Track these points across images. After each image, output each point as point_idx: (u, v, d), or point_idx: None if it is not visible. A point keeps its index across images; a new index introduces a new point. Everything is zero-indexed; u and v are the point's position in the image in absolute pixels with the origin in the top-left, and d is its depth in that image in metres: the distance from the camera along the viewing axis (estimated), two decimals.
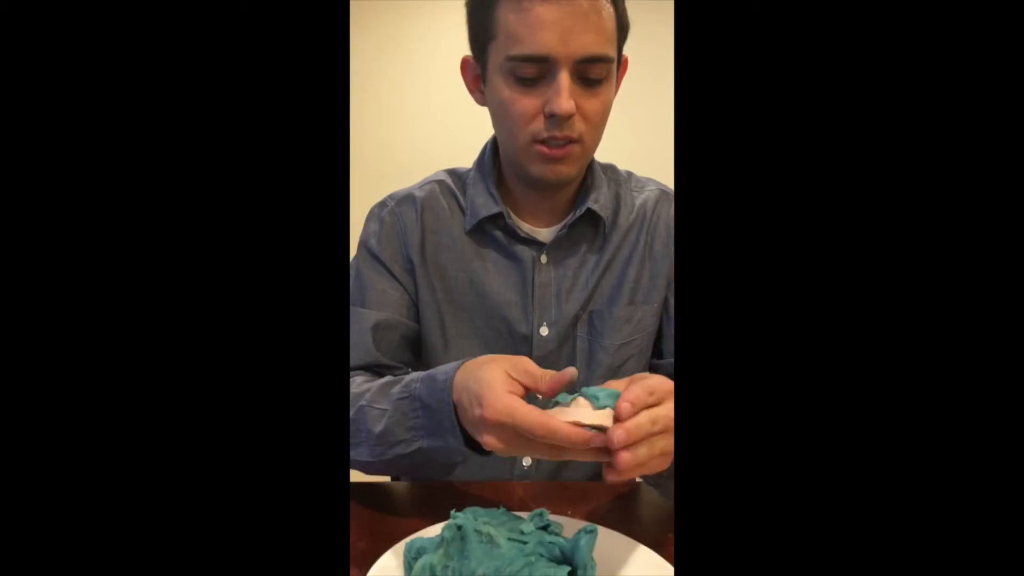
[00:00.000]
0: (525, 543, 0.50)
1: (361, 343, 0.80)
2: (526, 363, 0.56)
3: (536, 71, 0.70)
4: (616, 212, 0.87)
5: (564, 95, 0.68)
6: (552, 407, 0.53)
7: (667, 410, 0.50)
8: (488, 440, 0.53)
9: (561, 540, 0.51)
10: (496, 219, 0.83)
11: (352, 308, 0.83)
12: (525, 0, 0.67)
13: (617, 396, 0.50)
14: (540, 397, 0.55)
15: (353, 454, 0.68)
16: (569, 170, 0.76)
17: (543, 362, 0.80)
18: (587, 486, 0.78)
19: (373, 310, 0.82)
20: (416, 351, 0.87)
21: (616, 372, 0.85)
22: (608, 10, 0.70)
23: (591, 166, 0.85)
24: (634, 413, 0.49)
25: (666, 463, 0.52)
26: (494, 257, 0.84)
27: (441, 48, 2.80)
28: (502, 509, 0.55)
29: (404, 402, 0.64)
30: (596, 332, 0.85)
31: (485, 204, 0.83)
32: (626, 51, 0.77)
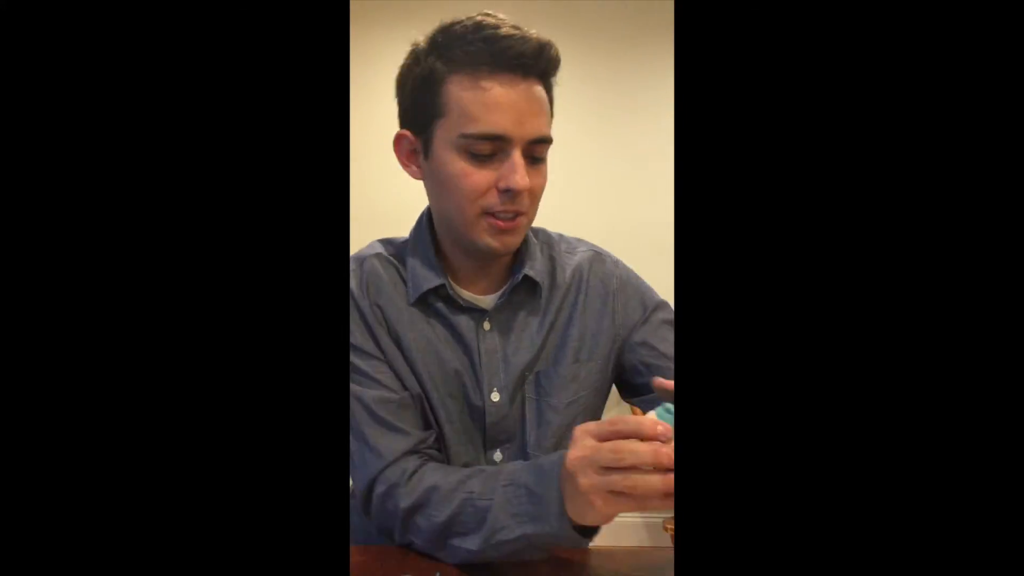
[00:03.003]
0: None
1: (388, 427, 0.79)
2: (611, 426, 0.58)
3: (491, 148, 0.74)
4: (552, 274, 0.91)
5: (521, 172, 0.73)
6: None
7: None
8: (581, 483, 0.56)
9: None
10: (438, 290, 0.85)
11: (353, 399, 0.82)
12: (482, 81, 0.73)
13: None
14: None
15: (457, 542, 0.70)
16: (516, 240, 0.80)
17: (497, 428, 0.83)
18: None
19: (371, 390, 0.81)
20: (426, 418, 0.86)
21: (566, 431, 0.86)
22: (546, 97, 0.77)
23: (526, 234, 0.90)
24: None
25: None
26: (439, 327, 0.86)
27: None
28: None
29: (509, 489, 0.67)
30: (544, 392, 0.87)
31: (426, 276, 0.85)
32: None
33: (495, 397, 0.84)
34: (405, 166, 0.84)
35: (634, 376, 0.93)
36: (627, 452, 0.53)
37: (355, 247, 0.91)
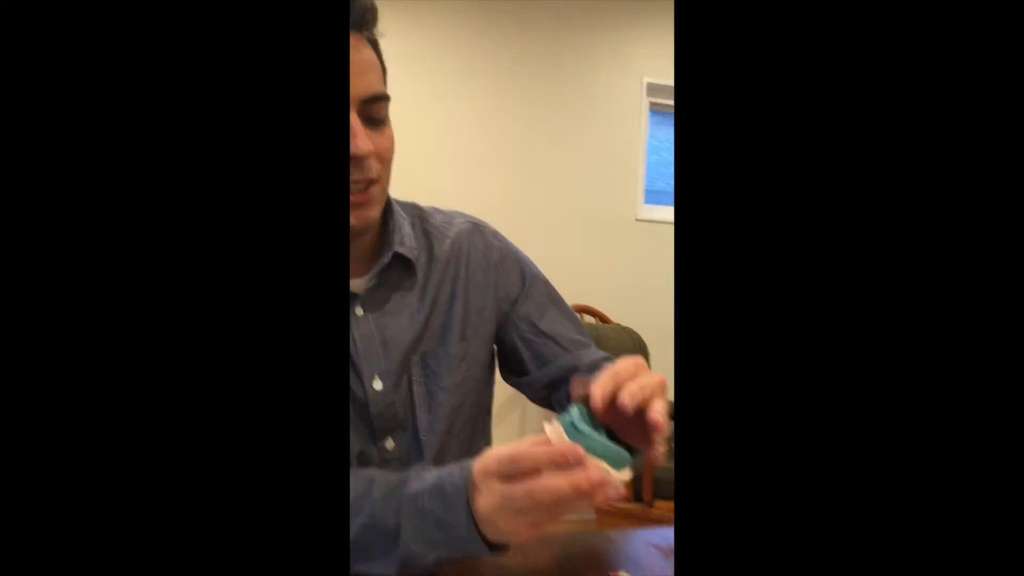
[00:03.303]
0: None
1: None
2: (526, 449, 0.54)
3: None
4: (429, 250, 0.86)
5: (360, 136, 0.68)
6: None
7: (647, 378, 0.56)
8: (481, 502, 0.55)
9: None
10: None
11: None
12: None
13: (624, 456, 0.53)
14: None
15: (365, 568, 0.65)
16: (373, 213, 0.75)
17: (384, 416, 0.79)
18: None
19: None
20: None
21: (457, 411, 0.85)
22: (372, 51, 0.71)
23: (390, 207, 0.84)
24: (637, 402, 0.54)
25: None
26: None
27: (441, 66, 2.75)
28: None
29: (415, 519, 0.62)
30: (433, 374, 0.83)
31: None
32: None
33: (377, 385, 0.79)
34: None
35: (512, 353, 0.91)
36: (542, 493, 0.51)
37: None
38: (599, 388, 0.54)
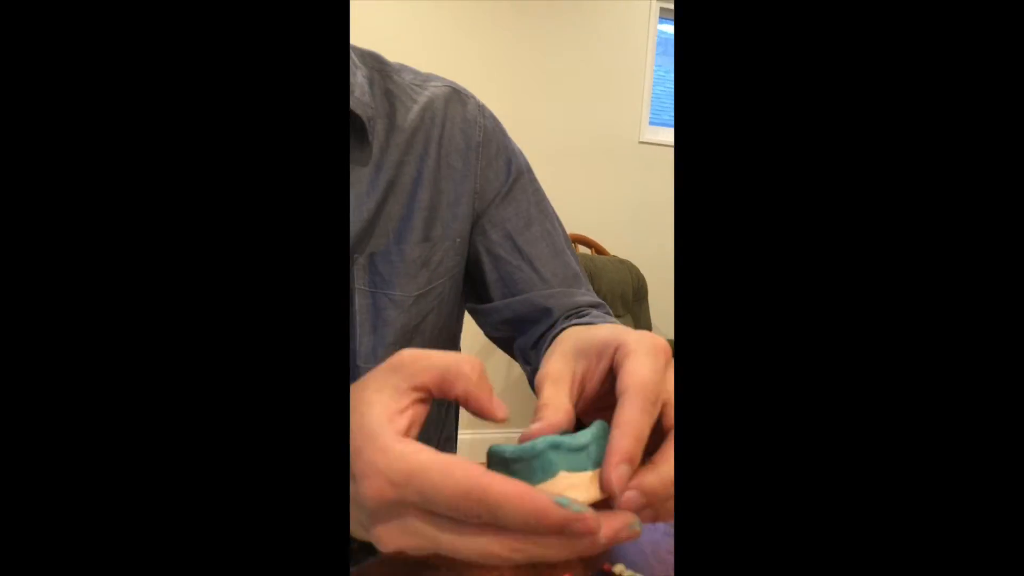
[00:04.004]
0: None
1: None
2: (420, 360, 0.33)
3: None
4: (391, 115, 0.63)
5: None
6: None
7: (655, 479, 0.31)
8: (381, 533, 0.31)
9: None
10: None
11: None
12: None
13: (593, 437, 0.31)
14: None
15: None
16: None
17: None
18: None
19: None
20: None
21: (411, 335, 0.64)
22: None
23: None
24: (640, 495, 0.30)
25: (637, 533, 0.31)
26: None
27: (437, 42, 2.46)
28: None
29: None
30: (382, 281, 0.62)
31: None
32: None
33: None
34: None
35: (474, 269, 0.68)
36: (502, 553, 0.29)
37: None
38: (636, 492, 0.31)
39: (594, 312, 0.66)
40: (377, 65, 0.66)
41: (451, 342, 0.74)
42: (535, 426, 0.33)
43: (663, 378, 0.34)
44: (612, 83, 2.69)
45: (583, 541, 0.28)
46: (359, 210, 0.60)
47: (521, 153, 0.71)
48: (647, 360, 0.34)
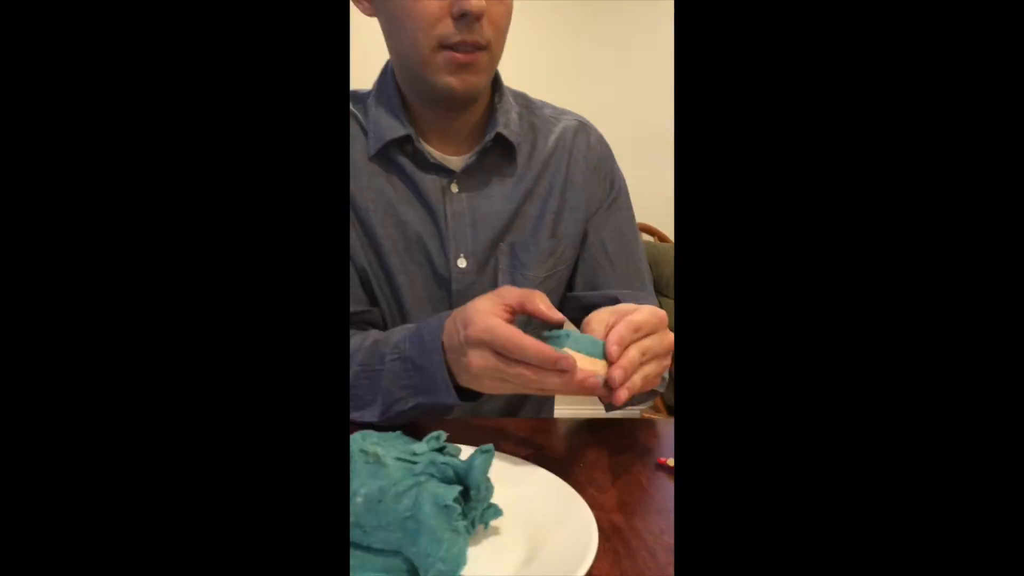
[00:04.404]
0: (415, 463, 0.48)
1: None
2: (512, 291, 0.58)
3: None
4: (533, 141, 0.84)
5: None
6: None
7: (652, 341, 0.56)
8: (473, 361, 0.55)
9: (455, 461, 0.48)
10: (403, 143, 0.78)
11: None
12: None
13: (600, 345, 0.54)
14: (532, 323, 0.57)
15: (356, 415, 0.68)
16: (478, 80, 0.72)
17: (463, 296, 0.78)
18: (538, 423, 0.77)
19: None
20: (371, 294, 0.81)
21: None
22: None
23: (499, 87, 0.82)
24: (623, 352, 0.54)
25: (656, 382, 0.59)
26: (401, 185, 0.78)
27: None
28: (398, 433, 0.53)
29: (396, 363, 0.65)
30: (519, 263, 0.82)
31: (390, 125, 0.77)
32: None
33: (461, 263, 0.79)
34: (356, 2, 0.74)
35: (574, 267, 0.88)
36: (534, 384, 0.53)
37: None
38: (616, 345, 0.53)
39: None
40: (525, 103, 0.87)
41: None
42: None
43: (654, 324, 0.56)
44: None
45: (566, 376, 0.51)
46: (505, 209, 0.81)
47: (623, 176, 0.91)
48: (647, 311, 0.57)
